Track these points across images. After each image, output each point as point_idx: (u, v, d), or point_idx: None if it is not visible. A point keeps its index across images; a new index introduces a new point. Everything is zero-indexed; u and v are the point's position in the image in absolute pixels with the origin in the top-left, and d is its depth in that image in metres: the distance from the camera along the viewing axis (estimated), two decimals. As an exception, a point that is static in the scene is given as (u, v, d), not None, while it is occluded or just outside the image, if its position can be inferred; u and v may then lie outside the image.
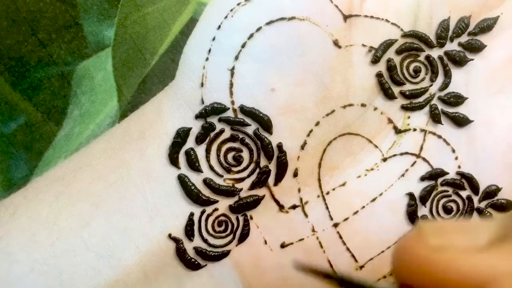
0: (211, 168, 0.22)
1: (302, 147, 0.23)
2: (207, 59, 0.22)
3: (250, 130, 0.22)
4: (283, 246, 0.23)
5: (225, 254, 0.22)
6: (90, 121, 0.40)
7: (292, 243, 0.23)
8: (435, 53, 0.23)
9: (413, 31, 0.23)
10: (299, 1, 0.22)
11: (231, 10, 0.22)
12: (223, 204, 0.22)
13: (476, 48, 0.23)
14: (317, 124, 0.23)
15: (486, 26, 0.23)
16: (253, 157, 0.22)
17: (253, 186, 0.23)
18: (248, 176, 0.22)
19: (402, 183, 0.24)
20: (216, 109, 0.22)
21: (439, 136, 0.24)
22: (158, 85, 0.35)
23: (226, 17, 0.22)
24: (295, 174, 0.23)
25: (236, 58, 0.22)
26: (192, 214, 0.22)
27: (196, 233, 0.22)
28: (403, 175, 0.24)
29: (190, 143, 0.22)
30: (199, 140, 0.22)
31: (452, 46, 0.24)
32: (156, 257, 0.22)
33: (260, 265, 0.23)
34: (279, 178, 0.23)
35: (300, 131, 0.23)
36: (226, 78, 0.22)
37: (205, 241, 0.22)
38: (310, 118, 0.23)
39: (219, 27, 0.22)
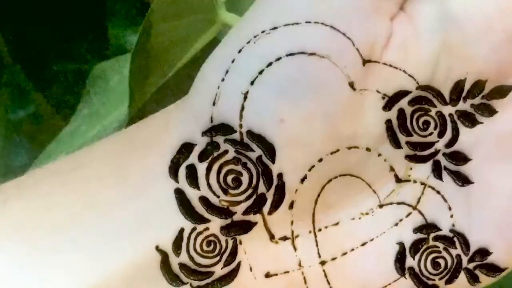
0: (209, 186, 0.22)
1: (302, 181, 0.23)
2: (223, 79, 0.22)
3: (253, 156, 0.22)
4: (267, 276, 0.23)
5: (209, 274, 0.22)
6: (98, 121, 0.40)
7: (276, 274, 0.23)
8: (447, 110, 0.24)
9: (428, 86, 0.23)
10: (322, 39, 0.22)
11: (255, 36, 0.22)
12: (215, 225, 0.22)
13: (487, 112, 0.24)
14: (320, 160, 0.23)
15: (500, 93, 0.24)
16: (252, 182, 0.23)
17: (247, 211, 0.23)
18: (245, 200, 0.22)
19: (395, 232, 0.24)
20: (224, 129, 0.22)
21: (438, 192, 0.24)
22: (170, 97, 0.35)
23: (248, 42, 0.22)
24: (291, 206, 0.23)
25: (252, 83, 0.22)
26: (182, 230, 0.22)
27: (184, 249, 0.22)
28: (396, 224, 0.24)
29: (193, 158, 0.22)
30: (202, 157, 0.22)
31: (464, 106, 0.24)
32: (141, 268, 0.22)
33: None
34: (274, 207, 0.23)
35: (302, 164, 0.23)
36: (239, 101, 0.22)
37: (191, 258, 0.22)
38: (314, 154, 0.23)
39: (240, 51, 0.22)
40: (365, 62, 0.23)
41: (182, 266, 0.22)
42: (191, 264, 0.22)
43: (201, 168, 0.22)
